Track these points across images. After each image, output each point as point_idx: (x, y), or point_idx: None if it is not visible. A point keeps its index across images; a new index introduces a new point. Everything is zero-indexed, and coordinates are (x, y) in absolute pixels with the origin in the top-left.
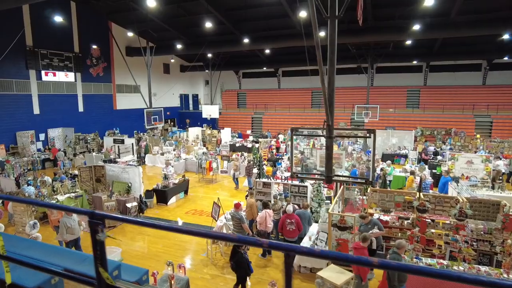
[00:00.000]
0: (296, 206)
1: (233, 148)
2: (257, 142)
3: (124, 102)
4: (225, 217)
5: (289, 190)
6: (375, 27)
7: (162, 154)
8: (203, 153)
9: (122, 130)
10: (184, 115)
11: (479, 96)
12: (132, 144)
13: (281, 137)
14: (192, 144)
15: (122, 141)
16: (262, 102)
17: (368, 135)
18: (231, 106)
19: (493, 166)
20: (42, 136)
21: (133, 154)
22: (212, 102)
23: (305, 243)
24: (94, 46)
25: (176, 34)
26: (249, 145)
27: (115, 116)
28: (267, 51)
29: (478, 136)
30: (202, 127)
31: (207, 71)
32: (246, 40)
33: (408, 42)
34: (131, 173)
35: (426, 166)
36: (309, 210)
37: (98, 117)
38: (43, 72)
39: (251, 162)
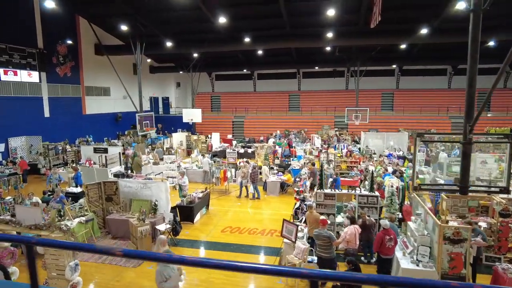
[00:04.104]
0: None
1: (240, 155)
2: (249, 147)
3: (94, 106)
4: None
5: (356, 200)
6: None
7: (155, 163)
8: (214, 162)
9: (93, 137)
10: (155, 120)
11: (448, 98)
12: (120, 153)
13: (270, 140)
14: (179, 151)
15: (105, 150)
16: (238, 105)
17: (507, 140)
18: (205, 109)
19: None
20: (1, 147)
21: (120, 164)
22: (193, 105)
23: (401, 259)
24: (69, 42)
25: (161, 31)
26: (241, 151)
27: (84, 121)
28: (259, 52)
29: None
30: (177, 131)
31: (181, 72)
32: (247, 39)
33: (403, 46)
34: (155, 188)
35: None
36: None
37: (66, 123)
38: (1, 70)
39: (256, 169)
